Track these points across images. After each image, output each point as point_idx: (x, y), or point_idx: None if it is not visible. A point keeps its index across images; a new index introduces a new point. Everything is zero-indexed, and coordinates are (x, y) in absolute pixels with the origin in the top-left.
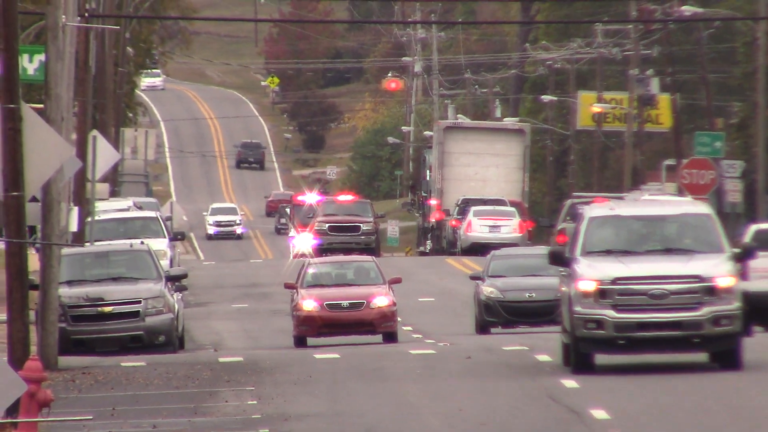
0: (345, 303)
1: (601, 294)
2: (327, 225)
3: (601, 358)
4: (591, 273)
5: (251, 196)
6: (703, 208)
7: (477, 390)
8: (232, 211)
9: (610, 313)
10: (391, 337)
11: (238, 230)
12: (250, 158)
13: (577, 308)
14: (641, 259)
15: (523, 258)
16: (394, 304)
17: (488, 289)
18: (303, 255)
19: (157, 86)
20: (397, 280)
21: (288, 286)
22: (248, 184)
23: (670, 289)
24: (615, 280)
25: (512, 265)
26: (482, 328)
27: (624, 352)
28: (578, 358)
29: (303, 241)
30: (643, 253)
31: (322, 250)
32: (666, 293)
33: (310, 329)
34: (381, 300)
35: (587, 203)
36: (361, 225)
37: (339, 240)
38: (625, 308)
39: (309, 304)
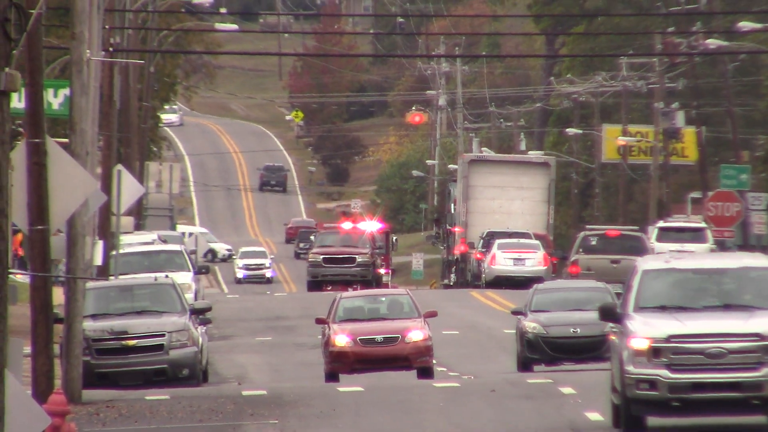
0: (379, 338)
1: (655, 353)
2: (321, 257)
3: (653, 420)
4: (644, 330)
5: (275, 228)
6: (764, 261)
7: (501, 422)
8: (261, 255)
9: (664, 373)
10: (426, 372)
11: (268, 274)
12: (272, 181)
13: (629, 368)
14: (698, 316)
15: (567, 291)
16: (430, 338)
17: (531, 324)
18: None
19: (174, 122)
20: (433, 314)
21: (319, 321)
22: (272, 217)
23: (728, 348)
24: (669, 338)
25: (556, 299)
26: (525, 365)
27: (679, 415)
28: (629, 420)
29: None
30: (699, 309)
31: (315, 283)
32: (724, 352)
33: (342, 365)
34: (416, 334)
35: (600, 235)
36: (357, 257)
37: (333, 272)
38: (680, 368)
39: (341, 339)
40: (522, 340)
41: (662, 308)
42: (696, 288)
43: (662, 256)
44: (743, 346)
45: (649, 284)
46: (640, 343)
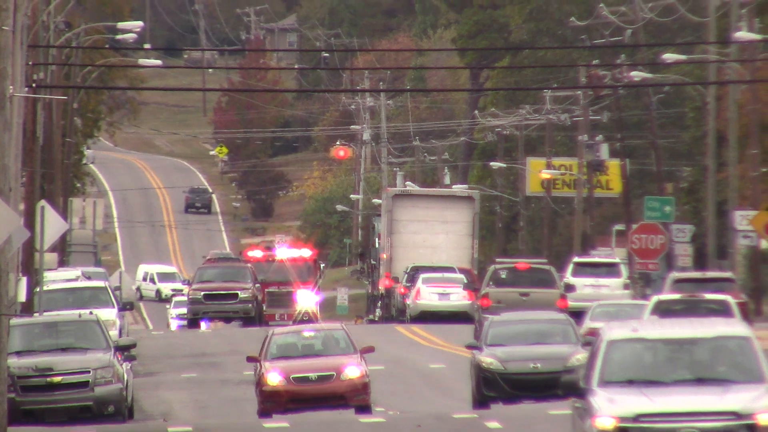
0: (313, 375)
1: None
2: (202, 293)
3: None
4: (609, 408)
5: (200, 263)
6: (739, 328)
7: None
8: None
9: None
10: (364, 410)
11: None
12: (197, 203)
13: None
14: (668, 392)
15: (525, 324)
16: (367, 375)
17: (487, 360)
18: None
19: (88, 160)
20: (370, 349)
21: (251, 360)
22: (197, 252)
23: (702, 428)
24: (637, 417)
25: (514, 332)
26: (480, 403)
27: None
28: None
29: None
30: (670, 383)
31: (194, 321)
32: None
33: (275, 405)
34: (352, 371)
35: (510, 269)
36: (239, 292)
37: (214, 309)
38: None
39: (274, 377)
40: (478, 376)
41: (629, 383)
42: (666, 360)
43: (629, 324)
44: (719, 426)
45: (615, 356)
46: (605, 422)
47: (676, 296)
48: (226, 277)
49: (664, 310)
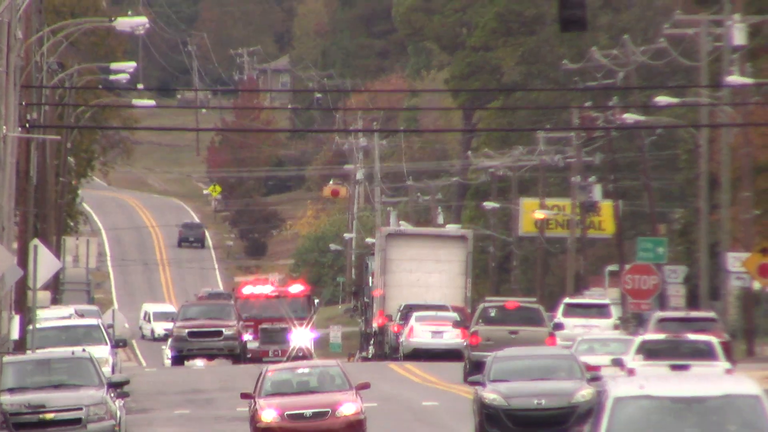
0: (308, 412)
1: None
2: (186, 330)
3: None
4: None
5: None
6: (748, 386)
7: None
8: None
9: None
10: None
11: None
12: (190, 237)
13: None
14: None
15: (529, 359)
16: (363, 411)
17: (490, 396)
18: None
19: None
20: (366, 386)
21: (245, 396)
22: (190, 290)
23: None
24: None
25: (518, 368)
26: None
27: None
28: None
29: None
30: None
31: (179, 358)
32: None
33: None
34: (348, 407)
35: (499, 307)
36: (224, 329)
37: (198, 346)
38: None
39: (268, 414)
40: (481, 412)
41: None
42: (674, 419)
43: (636, 381)
44: None
45: (622, 415)
46: None
47: (661, 336)
48: (210, 315)
49: (648, 350)
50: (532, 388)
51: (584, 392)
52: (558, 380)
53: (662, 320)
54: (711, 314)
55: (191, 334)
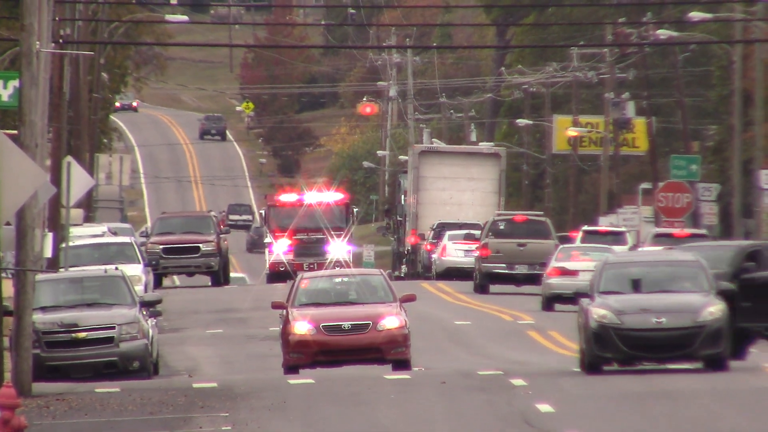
0: (346, 324)
1: None
2: (161, 247)
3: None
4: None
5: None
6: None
7: (452, 414)
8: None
9: None
10: (402, 365)
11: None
12: (212, 130)
13: None
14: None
15: (648, 266)
16: (407, 326)
17: (600, 312)
18: (281, 264)
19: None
20: (411, 298)
21: (276, 306)
22: (222, 207)
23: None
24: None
25: (633, 277)
26: (591, 366)
27: None
28: None
29: (281, 247)
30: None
31: (157, 277)
32: None
33: (303, 356)
34: (391, 321)
35: (508, 220)
36: (201, 245)
37: (174, 264)
38: None
39: (302, 326)
40: (587, 332)
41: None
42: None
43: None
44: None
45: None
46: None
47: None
48: (186, 228)
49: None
50: (649, 302)
51: (712, 308)
52: (682, 293)
53: (658, 236)
54: (703, 231)
55: (166, 251)
